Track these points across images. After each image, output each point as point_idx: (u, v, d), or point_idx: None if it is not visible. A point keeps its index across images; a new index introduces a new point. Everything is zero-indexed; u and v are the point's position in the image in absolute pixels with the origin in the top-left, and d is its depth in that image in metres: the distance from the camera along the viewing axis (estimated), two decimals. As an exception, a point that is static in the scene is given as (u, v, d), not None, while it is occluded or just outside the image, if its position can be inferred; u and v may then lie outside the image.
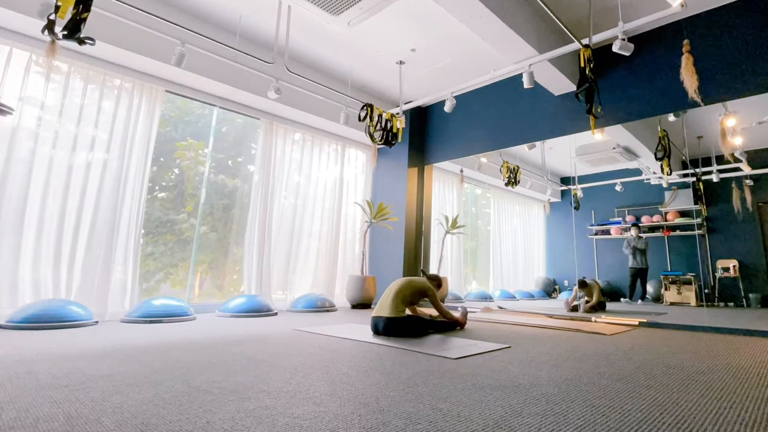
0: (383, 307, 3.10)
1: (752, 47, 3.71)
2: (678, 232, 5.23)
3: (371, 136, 4.90)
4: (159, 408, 1.37)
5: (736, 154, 4.65)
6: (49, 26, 2.56)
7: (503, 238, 6.93)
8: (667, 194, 5.41)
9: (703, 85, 3.85)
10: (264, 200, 5.14)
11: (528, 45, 3.95)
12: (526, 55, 4.13)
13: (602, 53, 4.55)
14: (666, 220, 5.37)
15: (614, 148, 5.35)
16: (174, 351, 2.35)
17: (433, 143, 6.35)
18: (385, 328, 3.01)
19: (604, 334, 3.35)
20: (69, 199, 3.74)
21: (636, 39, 4.36)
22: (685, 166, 5.16)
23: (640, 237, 5.73)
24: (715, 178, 4.90)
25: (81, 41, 2.65)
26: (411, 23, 4.37)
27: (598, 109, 3.75)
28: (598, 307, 5.25)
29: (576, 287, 5.39)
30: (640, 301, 5.42)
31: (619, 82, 4.50)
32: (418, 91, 5.99)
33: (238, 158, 5.34)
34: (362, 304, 5.45)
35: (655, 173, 5.40)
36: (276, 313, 4.53)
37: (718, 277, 4.82)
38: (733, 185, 4.79)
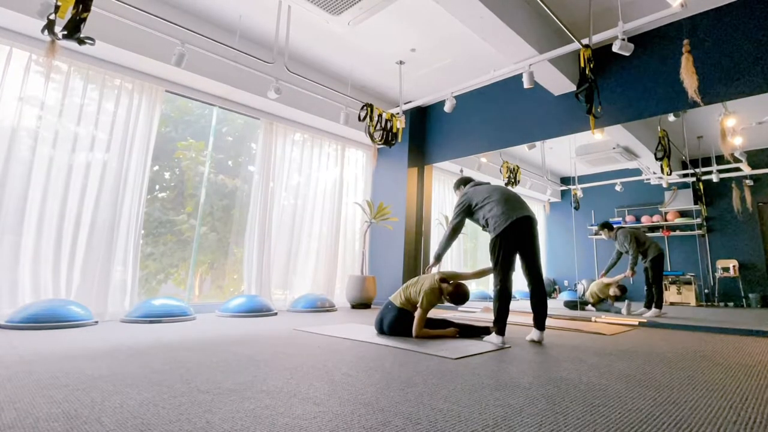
0: (395, 296, 3.11)
1: (752, 47, 3.71)
2: (678, 232, 5.23)
3: (371, 136, 4.90)
4: (159, 408, 1.37)
5: (736, 154, 4.65)
6: (49, 26, 2.56)
7: (503, 238, 6.91)
8: (667, 194, 5.41)
9: (703, 85, 3.84)
10: (264, 200, 5.14)
11: (528, 45, 3.95)
12: (526, 55, 4.12)
13: (602, 53, 4.55)
14: (666, 220, 5.36)
15: (614, 148, 5.35)
16: (174, 351, 2.35)
17: (433, 143, 6.35)
18: (390, 323, 2.99)
19: (604, 334, 3.35)
20: (69, 198, 3.74)
21: (636, 39, 4.36)
22: (685, 166, 5.16)
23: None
24: (715, 178, 4.90)
25: (81, 41, 2.65)
26: (411, 23, 4.37)
27: (598, 109, 3.74)
28: (620, 292, 5.11)
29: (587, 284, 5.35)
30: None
31: (619, 82, 4.50)
32: (418, 91, 5.99)
33: (238, 158, 5.34)
34: (362, 304, 5.45)
35: (655, 173, 5.40)
36: (276, 313, 4.53)
37: (718, 277, 4.82)
38: (733, 185, 4.79)
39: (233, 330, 3.22)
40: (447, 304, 3.36)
